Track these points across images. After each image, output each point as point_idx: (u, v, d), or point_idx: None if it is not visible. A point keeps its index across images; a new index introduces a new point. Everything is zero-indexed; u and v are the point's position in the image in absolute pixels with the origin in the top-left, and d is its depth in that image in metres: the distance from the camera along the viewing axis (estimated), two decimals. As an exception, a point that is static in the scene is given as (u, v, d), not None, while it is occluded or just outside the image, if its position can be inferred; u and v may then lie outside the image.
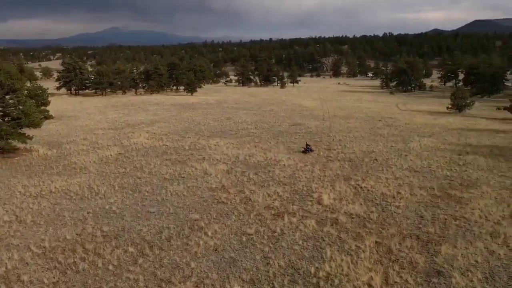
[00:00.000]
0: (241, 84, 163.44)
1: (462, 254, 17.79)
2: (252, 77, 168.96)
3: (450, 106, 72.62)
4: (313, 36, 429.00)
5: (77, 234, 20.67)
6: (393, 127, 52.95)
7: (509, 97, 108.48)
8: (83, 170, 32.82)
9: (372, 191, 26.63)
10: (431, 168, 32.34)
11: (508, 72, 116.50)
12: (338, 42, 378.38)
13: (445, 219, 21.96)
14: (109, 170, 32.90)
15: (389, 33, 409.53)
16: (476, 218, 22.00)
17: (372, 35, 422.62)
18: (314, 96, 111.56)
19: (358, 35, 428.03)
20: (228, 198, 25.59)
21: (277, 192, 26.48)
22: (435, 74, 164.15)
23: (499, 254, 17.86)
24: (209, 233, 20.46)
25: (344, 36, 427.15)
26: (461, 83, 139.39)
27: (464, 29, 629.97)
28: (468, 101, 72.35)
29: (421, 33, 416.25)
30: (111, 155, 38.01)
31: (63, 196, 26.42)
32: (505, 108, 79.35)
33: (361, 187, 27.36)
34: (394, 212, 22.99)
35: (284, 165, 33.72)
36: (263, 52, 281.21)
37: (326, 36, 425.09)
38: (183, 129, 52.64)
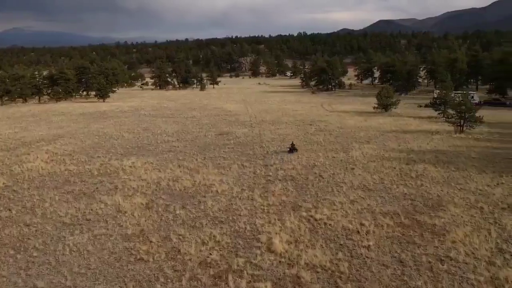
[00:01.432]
0: (158, 87, 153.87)
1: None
2: (169, 79, 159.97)
3: (376, 105, 71.45)
4: (230, 36, 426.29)
5: None
6: (327, 133, 49.31)
7: (423, 94, 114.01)
8: None
9: (330, 225, 21.69)
10: (385, 185, 28.35)
11: (421, 69, 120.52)
12: (254, 41, 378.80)
13: (429, 262, 17.54)
14: (-16, 215, 24.61)
15: (304, 32, 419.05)
16: (463, 257, 17.88)
17: (287, 34, 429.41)
18: (237, 98, 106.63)
19: (273, 35, 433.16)
20: (149, 252, 19.11)
21: (214, 236, 20.53)
22: (350, 72, 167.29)
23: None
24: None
25: (260, 36, 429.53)
26: (377, 81, 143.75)
27: (370, 28, 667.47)
28: (393, 100, 71.64)
29: (333, 32, 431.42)
30: (-9, 190, 29.35)
31: None
32: (426, 106, 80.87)
33: (316, 220, 22.30)
34: (366, 257, 18.14)
35: (217, 191, 27.79)
36: (180, 53, 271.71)
37: (243, 36, 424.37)
38: (91, 146, 44.43)
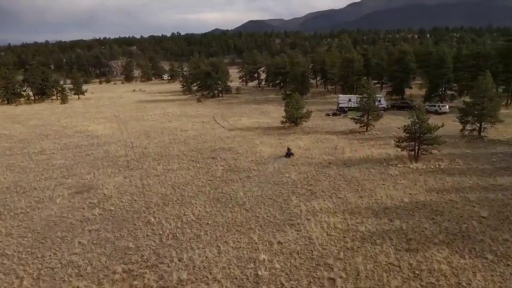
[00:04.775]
0: (6, 102, 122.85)
1: None
2: (21, 91, 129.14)
3: (284, 119, 58.47)
4: (98, 37, 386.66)
5: None
6: (244, 175, 34.13)
7: (319, 97, 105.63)
8: None
9: None
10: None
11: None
12: (125, 43, 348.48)
13: None
14: None
15: (178, 33, 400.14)
16: None
17: (160, 35, 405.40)
18: (107, 113, 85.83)
19: (145, 36, 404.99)
20: None
21: None
22: (232, 73, 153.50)
23: None
24: None
25: (131, 37, 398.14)
26: (264, 83, 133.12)
27: (242, 28, 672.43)
28: (303, 111, 59.26)
29: (207, 32, 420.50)
30: None
31: None
32: (334, 114, 70.83)
33: None
34: None
35: None
36: (37, 57, 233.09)
37: (112, 37, 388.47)
38: None
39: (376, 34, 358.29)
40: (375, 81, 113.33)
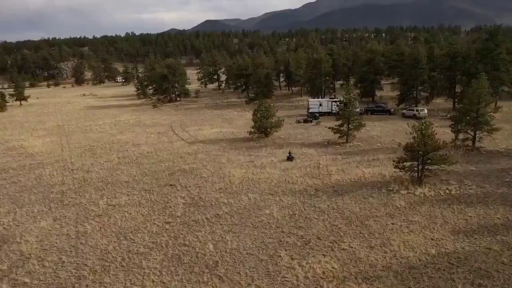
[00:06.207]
0: None
1: None
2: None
3: (252, 129, 51.34)
4: (46, 38, 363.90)
5: None
6: (211, 213, 26.85)
7: (284, 100, 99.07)
8: None
9: None
10: None
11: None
12: (76, 43, 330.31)
13: None
14: None
15: (132, 32, 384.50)
16: None
17: (114, 35, 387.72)
18: (50, 122, 75.62)
19: (98, 36, 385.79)
20: None
21: None
22: (190, 75, 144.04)
23: None
24: None
25: (83, 37, 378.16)
26: (224, 85, 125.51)
27: (199, 28, 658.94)
28: (274, 120, 52.33)
29: (164, 32, 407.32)
30: None
31: None
32: (305, 121, 64.38)
33: None
34: None
35: None
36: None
37: (62, 38, 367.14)
38: None
39: (334, 34, 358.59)
40: (341, 83, 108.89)
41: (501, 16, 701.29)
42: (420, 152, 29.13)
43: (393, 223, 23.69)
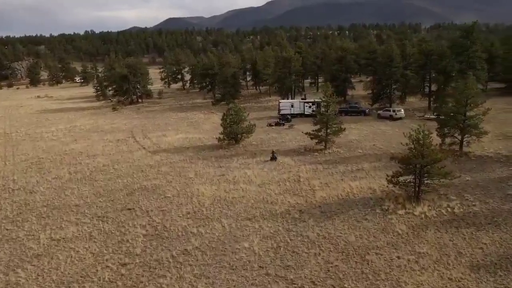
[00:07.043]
0: None
1: None
2: None
3: (221, 136, 46.75)
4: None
5: None
6: (177, 248, 22.60)
7: (252, 101, 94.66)
8: None
9: None
10: None
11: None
12: (32, 42, 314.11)
13: None
14: None
15: (92, 31, 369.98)
16: None
17: (72, 33, 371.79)
18: (-4, 129, 68.32)
19: (55, 34, 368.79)
20: None
21: None
22: (153, 74, 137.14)
23: None
24: None
25: (39, 35, 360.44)
26: (189, 85, 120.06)
27: (161, 26, 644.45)
28: (245, 125, 47.91)
29: (125, 30, 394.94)
30: None
31: None
32: (277, 124, 60.22)
33: None
34: None
35: None
36: None
37: (17, 36, 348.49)
38: None
39: (298, 32, 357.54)
40: (310, 82, 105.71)
41: (458, 14, 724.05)
42: (417, 165, 25.46)
43: (398, 257, 19.82)
